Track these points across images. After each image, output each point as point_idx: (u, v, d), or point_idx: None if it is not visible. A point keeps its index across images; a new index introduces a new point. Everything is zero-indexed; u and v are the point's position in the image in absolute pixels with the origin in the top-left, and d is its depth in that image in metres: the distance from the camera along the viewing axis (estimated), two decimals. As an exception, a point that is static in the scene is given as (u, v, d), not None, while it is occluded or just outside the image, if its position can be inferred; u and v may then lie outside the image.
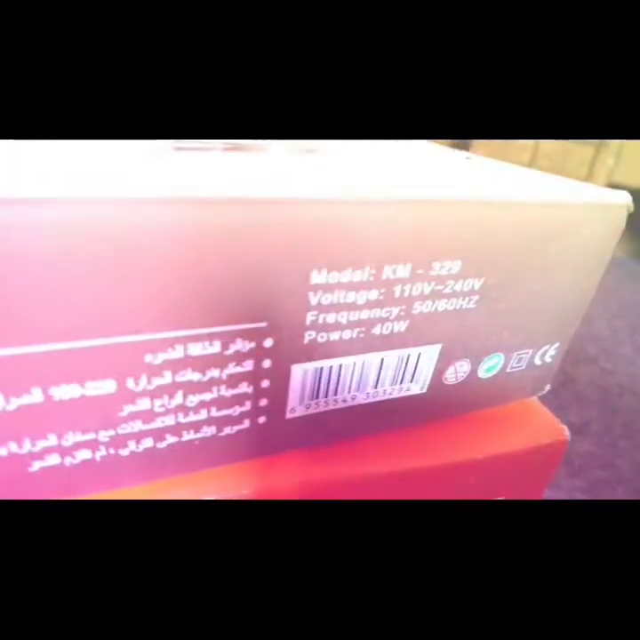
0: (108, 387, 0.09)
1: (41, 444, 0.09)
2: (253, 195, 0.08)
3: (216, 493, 0.11)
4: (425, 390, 0.12)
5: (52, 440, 0.09)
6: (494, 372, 0.13)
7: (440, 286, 0.11)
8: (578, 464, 0.43)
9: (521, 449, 0.14)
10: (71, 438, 0.09)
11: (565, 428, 0.15)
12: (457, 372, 0.13)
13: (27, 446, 0.09)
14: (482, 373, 0.13)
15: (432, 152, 0.16)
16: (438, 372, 0.12)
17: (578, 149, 1.39)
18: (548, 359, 0.14)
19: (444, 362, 0.12)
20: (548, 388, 0.15)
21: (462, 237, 0.10)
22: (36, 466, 0.09)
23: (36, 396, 0.08)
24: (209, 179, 0.08)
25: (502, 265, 0.11)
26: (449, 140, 1.09)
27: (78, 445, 0.09)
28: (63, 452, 0.09)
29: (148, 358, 0.09)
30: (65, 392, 0.09)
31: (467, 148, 1.05)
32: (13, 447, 0.09)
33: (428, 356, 0.12)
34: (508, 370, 0.14)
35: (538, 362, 0.14)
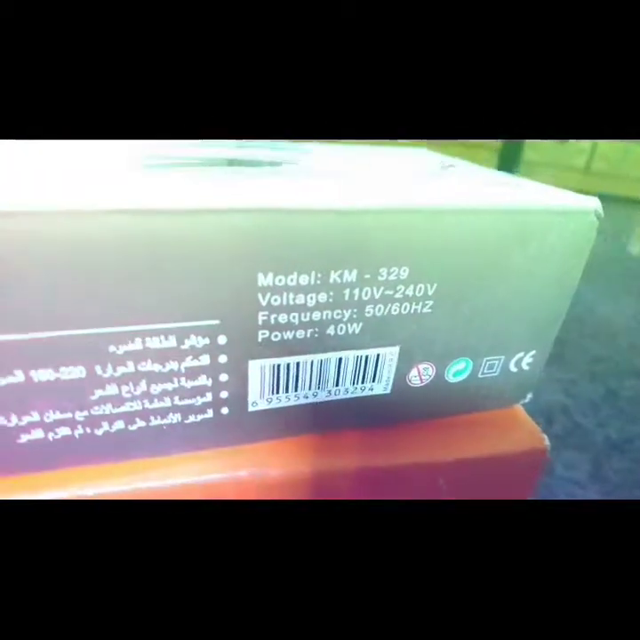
0: (78, 372, 0.10)
1: (26, 419, 0.10)
2: (200, 205, 0.09)
3: (184, 477, 0.12)
4: (389, 391, 0.13)
5: (36, 417, 0.10)
6: (463, 376, 0.14)
7: (390, 291, 0.11)
8: (614, 482, 0.41)
9: (495, 454, 0.14)
10: (51, 416, 0.10)
11: (545, 437, 0.15)
12: (421, 375, 0.13)
13: (14, 420, 0.10)
14: (449, 377, 0.13)
15: (412, 160, 0.16)
16: (401, 374, 0.13)
17: (636, 149, 1.31)
18: (524, 367, 0.14)
19: (405, 364, 0.13)
20: (529, 396, 0.15)
21: (408, 245, 0.11)
22: (24, 439, 0.11)
23: (18, 376, 0.10)
24: (162, 192, 0.09)
25: (457, 271, 0.12)
26: (494, 146, 1.06)
27: (58, 423, 0.11)
28: (46, 427, 0.11)
29: (112, 348, 0.10)
30: (42, 375, 0.10)
31: (519, 152, 1.02)
32: (2, 420, 0.10)
33: (387, 357, 0.12)
34: (480, 375, 0.14)
35: (513, 369, 0.14)
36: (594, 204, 0.12)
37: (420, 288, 0.11)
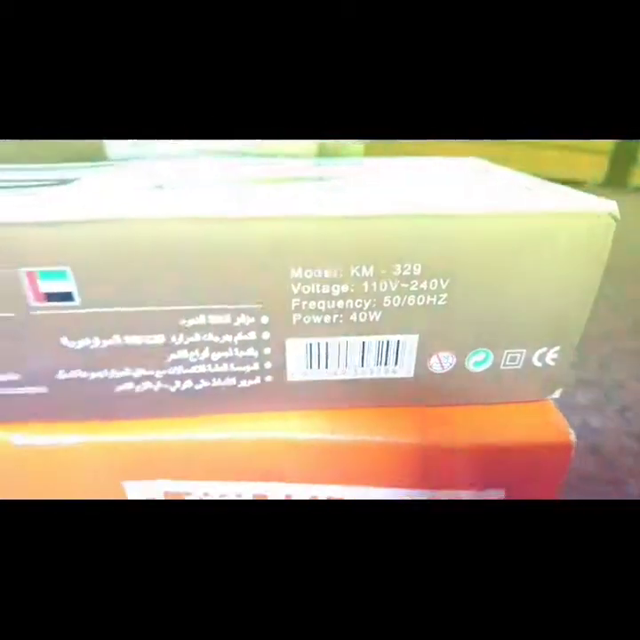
0: (158, 339, 0.13)
1: (121, 374, 0.14)
2: (247, 215, 0.12)
3: (235, 432, 0.15)
4: (411, 375, 0.15)
5: (127, 372, 0.14)
6: (484, 366, 0.15)
7: (405, 284, 0.13)
8: None
9: (515, 442, 0.15)
10: (139, 372, 0.14)
11: (571, 432, 0.16)
12: (442, 362, 0.15)
13: (113, 373, 0.14)
14: (470, 367, 0.15)
15: (443, 170, 0.18)
16: (422, 360, 0.14)
17: None
18: (549, 362, 0.15)
19: (424, 351, 0.14)
20: (558, 392, 0.16)
21: (418, 246, 0.12)
22: (118, 388, 0.14)
23: (116, 340, 0.13)
24: (220, 204, 0.12)
25: (468, 269, 0.13)
26: (603, 148, 0.98)
27: (143, 378, 0.14)
28: (134, 381, 0.14)
29: (182, 322, 0.13)
30: (133, 340, 0.13)
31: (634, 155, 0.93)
32: (105, 372, 0.14)
33: (407, 343, 0.14)
34: (502, 367, 0.15)
35: (537, 363, 0.15)
36: (609, 207, 0.13)
37: (434, 282, 0.13)
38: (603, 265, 0.14)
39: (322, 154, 0.24)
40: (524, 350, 0.15)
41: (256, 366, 0.14)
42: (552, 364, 0.15)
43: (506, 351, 0.15)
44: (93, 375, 0.14)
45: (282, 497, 0.16)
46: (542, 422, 0.16)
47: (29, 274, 0.12)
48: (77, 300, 0.13)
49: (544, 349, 0.15)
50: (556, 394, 0.16)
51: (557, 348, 0.15)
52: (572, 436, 0.16)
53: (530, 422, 0.16)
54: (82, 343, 0.13)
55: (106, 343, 0.13)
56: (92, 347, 0.13)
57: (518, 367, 0.15)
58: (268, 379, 0.14)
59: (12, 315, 0.13)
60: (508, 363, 0.15)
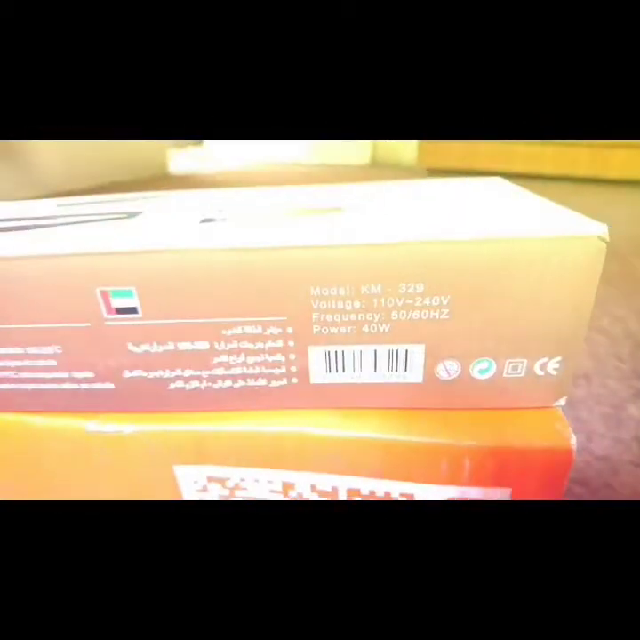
0: (204, 345, 0.16)
1: (173, 374, 0.17)
2: (272, 244, 0.14)
3: (266, 425, 0.17)
4: (421, 380, 0.16)
5: (179, 372, 0.17)
6: (488, 374, 0.16)
7: (410, 300, 0.15)
8: None
9: (515, 445, 0.16)
10: (188, 372, 0.17)
11: (573, 437, 0.17)
12: (448, 370, 0.16)
13: (167, 373, 0.17)
14: (475, 374, 0.16)
15: (456, 193, 0.19)
16: (429, 367, 0.16)
17: None
18: (551, 371, 0.16)
19: (431, 359, 0.16)
20: (562, 400, 0.17)
21: (420, 267, 0.14)
22: (171, 386, 0.17)
23: (170, 345, 0.16)
24: (248, 236, 0.15)
25: (466, 287, 0.15)
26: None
27: (191, 377, 0.17)
28: (184, 380, 0.17)
29: (223, 331, 0.16)
30: (184, 346, 0.16)
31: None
32: (161, 372, 0.17)
33: (415, 352, 0.16)
34: (505, 375, 0.16)
35: (539, 372, 0.16)
36: (598, 230, 0.14)
37: (436, 299, 0.15)
38: (595, 282, 0.15)
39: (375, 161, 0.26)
40: (526, 360, 0.16)
41: (283, 370, 0.17)
42: (554, 373, 0.16)
43: (508, 360, 0.16)
44: (152, 374, 0.17)
45: (308, 486, 0.18)
46: (543, 428, 0.17)
47: (103, 292, 0.15)
48: (140, 313, 0.16)
49: (545, 359, 0.16)
50: (561, 402, 0.17)
51: (558, 359, 0.16)
52: (573, 442, 0.17)
53: (530, 428, 0.17)
54: (143, 348, 0.16)
55: (162, 348, 0.16)
56: (151, 351, 0.16)
57: (521, 375, 0.16)
58: (294, 380, 0.17)
59: (89, 324, 0.16)
60: (510, 371, 0.16)
